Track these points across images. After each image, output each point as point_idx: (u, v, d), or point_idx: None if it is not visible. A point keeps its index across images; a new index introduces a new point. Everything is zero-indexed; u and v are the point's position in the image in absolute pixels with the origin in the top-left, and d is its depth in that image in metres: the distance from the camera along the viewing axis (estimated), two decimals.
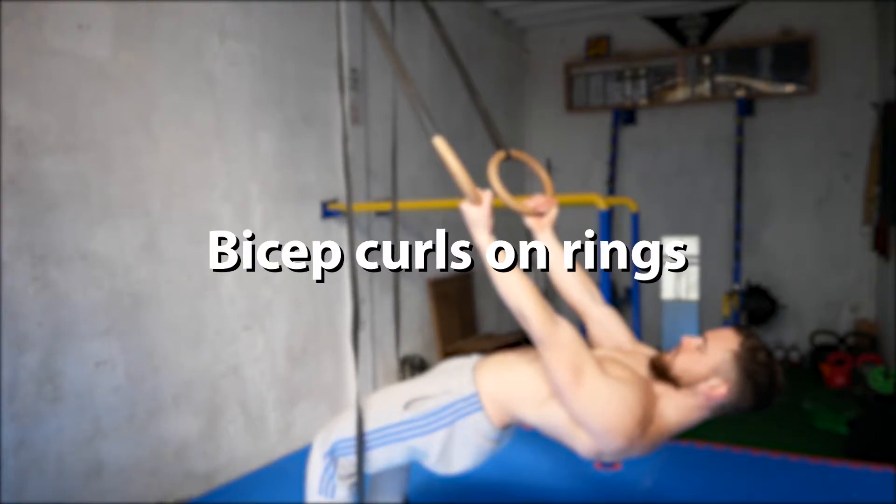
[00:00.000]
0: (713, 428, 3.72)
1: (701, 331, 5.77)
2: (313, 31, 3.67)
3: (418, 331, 4.65)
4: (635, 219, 3.49)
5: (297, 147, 3.58)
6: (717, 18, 5.68)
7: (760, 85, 5.55)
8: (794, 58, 5.43)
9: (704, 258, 5.83)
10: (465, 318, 5.17)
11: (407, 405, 1.83)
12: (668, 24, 5.83)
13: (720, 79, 5.69)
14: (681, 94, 5.83)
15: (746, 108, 5.56)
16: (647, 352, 1.82)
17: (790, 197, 5.56)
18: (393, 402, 1.87)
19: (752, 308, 5.37)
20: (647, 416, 1.58)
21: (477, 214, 1.62)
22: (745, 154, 5.52)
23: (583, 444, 1.65)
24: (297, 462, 3.37)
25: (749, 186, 5.57)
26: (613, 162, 5.98)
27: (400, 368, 4.33)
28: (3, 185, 2.29)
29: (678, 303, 5.89)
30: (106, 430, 2.60)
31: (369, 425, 1.85)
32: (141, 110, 2.75)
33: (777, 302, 5.42)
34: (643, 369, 1.71)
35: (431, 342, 4.79)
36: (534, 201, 1.88)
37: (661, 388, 1.67)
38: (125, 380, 2.68)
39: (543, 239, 1.92)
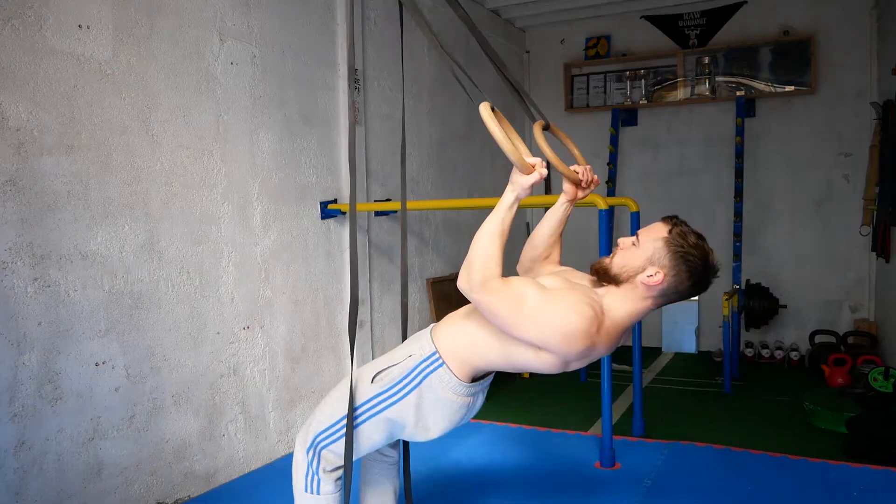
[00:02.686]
0: (713, 428, 3.74)
1: (700, 330, 5.78)
2: (313, 31, 3.67)
3: (418, 330, 4.64)
4: (635, 219, 3.49)
5: (297, 147, 3.58)
6: (717, 18, 5.68)
7: (760, 85, 5.55)
8: (794, 58, 5.43)
9: None
10: None
11: (374, 379, 1.86)
12: (668, 24, 5.83)
13: (720, 79, 5.69)
14: (681, 94, 5.83)
15: (746, 108, 5.56)
16: (582, 274, 1.90)
17: (790, 197, 5.56)
18: (360, 381, 1.90)
19: (752, 308, 5.37)
20: (595, 313, 1.64)
21: (521, 180, 1.64)
22: (745, 154, 5.52)
23: (546, 362, 1.70)
24: None
25: (749, 186, 5.57)
26: (613, 162, 5.98)
27: None
28: (3, 185, 2.29)
29: (678, 302, 5.88)
30: (106, 430, 2.61)
31: (342, 409, 1.87)
32: (141, 110, 2.75)
33: (777, 302, 5.42)
34: (582, 280, 1.83)
35: None
36: (582, 171, 1.87)
37: (603, 290, 1.75)
38: (125, 380, 2.68)
39: (565, 208, 1.94)
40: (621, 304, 1.72)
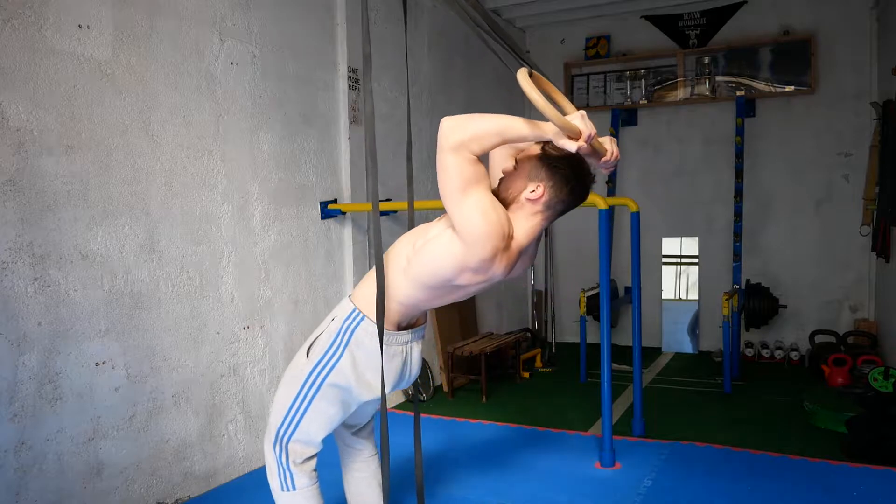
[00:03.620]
0: (713, 428, 3.74)
1: (700, 330, 5.78)
2: (313, 31, 3.67)
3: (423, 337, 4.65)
4: (635, 219, 3.49)
5: (297, 147, 3.58)
6: (717, 18, 5.68)
7: (760, 85, 5.56)
8: (794, 58, 5.43)
9: (704, 258, 5.84)
10: (465, 318, 5.17)
11: (308, 353, 1.93)
12: (668, 24, 5.83)
13: (720, 79, 5.69)
14: (681, 94, 5.83)
15: (746, 108, 5.56)
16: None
17: (790, 197, 5.56)
18: (298, 359, 1.96)
19: (752, 308, 5.37)
20: (511, 232, 1.74)
21: (562, 141, 1.60)
22: (745, 154, 5.52)
23: (451, 254, 1.73)
24: None
25: (749, 186, 5.57)
26: None
27: None
28: (3, 185, 2.29)
29: (678, 303, 5.89)
30: (106, 430, 2.61)
31: (291, 394, 1.93)
32: (141, 110, 2.75)
33: (777, 302, 5.42)
34: None
35: (431, 342, 4.79)
36: (611, 152, 1.76)
37: None
38: (125, 380, 2.68)
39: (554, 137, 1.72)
40: (519, 225, 1.78)
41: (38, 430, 2.38)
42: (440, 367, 4.77)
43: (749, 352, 5.47)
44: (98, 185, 2.58)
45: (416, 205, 4.24)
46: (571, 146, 1.59)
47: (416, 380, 2.13)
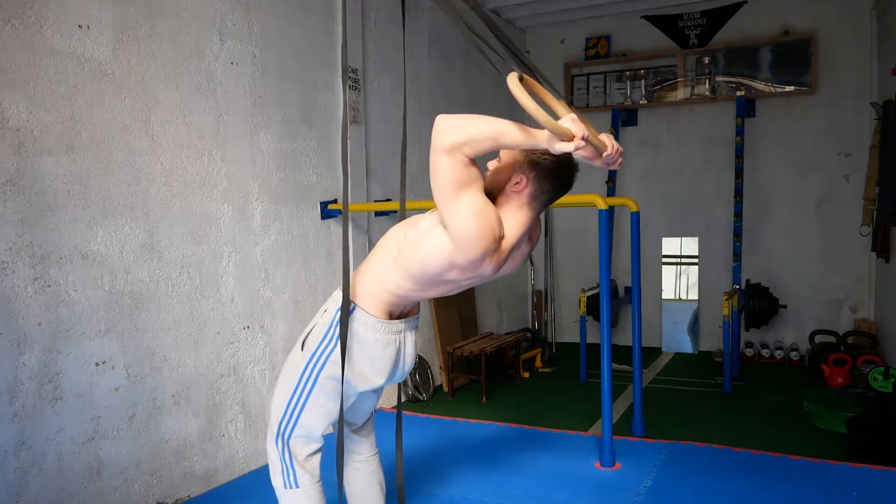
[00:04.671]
0: (713, 428, 3.74)
1: (700, 330, 5.78)
2: (313, 31, 3.67)
3: (418, 331, 4.65)
4: (635, 219, 3.49)
5: (297, 147, 3.58)
6: (717, 18, 5.68)
7: (760, 85, 5.56)
8: (794, 58, 5.43)
9: (704, 258, 5.84)
10: (465, 317, 5.17)
11: (303, 347, 1.94)
12: (668, 24, 5.83)
13: (720, 79, 5.69)
14: (681, 94, 5.83)
15: (746, 108, 5.56)
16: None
17: (790, 197, 5.56)
18: (293, 354, 1.97)
19: (752, 308, 5.37)
20: (501, 233, 1.75)
21: (555, 145, 1.56)
22: (745, 154, 5.52)
23: (442, 249, 1.73)
24: None
25: (749, 186, 5.57)
26: None
27: None
28: (3, 185, 2.29)
29: (678, 303, 5.89)
30: (106, 430, 2.61)
31: (288, 388, 1.94)
32: (141, 110, 2.75)
33: (777, 302, 5.42)
34: None
35: (431, 342, 4.79)
36: (611, 147, 1.66)
37: None
38: (125, 380, 2.68)
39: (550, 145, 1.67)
40: (508, 220, 1.79)
41: (38, 430, 2.38)
42: (440, 367, 4.77)
43: (749, 352, 5.47)
44: (98, 185, 2.58)
45: (417, 204, 4.25)
46: (567, 147, 1.55)
47: (408, 376, 2.12)
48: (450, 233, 1.71)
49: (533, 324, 6.22)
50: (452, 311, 4.99)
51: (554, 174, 1.77)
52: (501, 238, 1.76)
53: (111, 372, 2.62)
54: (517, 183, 1.77)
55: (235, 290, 3.19)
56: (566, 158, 1.73)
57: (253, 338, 3.30)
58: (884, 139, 4.66)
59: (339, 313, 1.87)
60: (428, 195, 5.43)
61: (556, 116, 1.60)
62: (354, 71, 3.95)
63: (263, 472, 3.24)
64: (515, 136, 1.63)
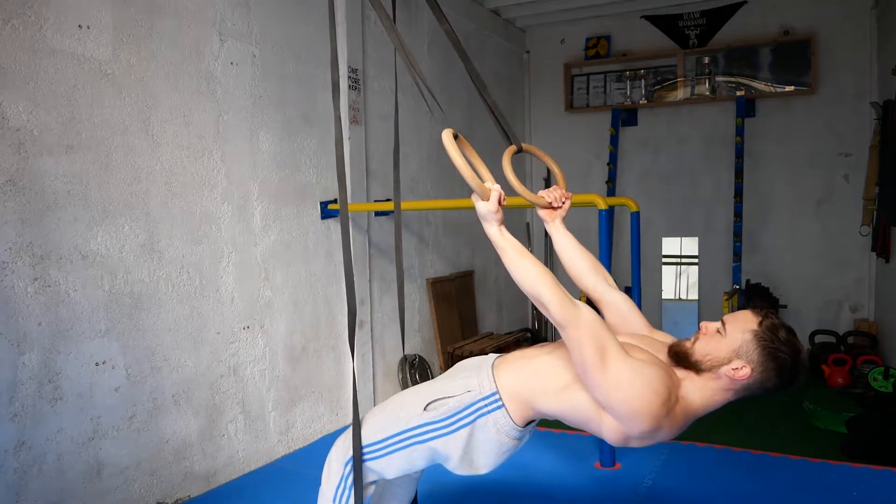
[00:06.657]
0: (713, 428, 3.74)
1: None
2: (313, 31, 3.67)
3: (418, 331, 4.65)
4: (635, 219, 3.48)
5: (297, 147, 3.58)
6: (717, 18, 5.68)
7: (760, 85, 5.55)
8: (794, 58, 5.43)
9: (704, 258, 5.83)
10: (465, 317, 5.17)
11: (427, 406, 1.79)
12: (668, 24, 5.83)
13: (720, 79, 5.69)
14: (681, 94, 5.83)
15: (746, 108, 5.56)
16: (664, 338, 1.83)
17: (790, 197, 5.56)
18: (412, 404, 1.83)
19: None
20: (671, 396, 1.57)
21: (485, 209, 1.63)
22: (745, 154, 5.52)
23: (609, 428, 1.64)
24: (296, 462, 3.38)
25: (749, 186, 5.57)
26: (613, 162, 5.98)
27: (400, 368, 4.33)
28: (3, 185, 2.29)
29: (678, 303, 5.89)
30: (106, 430, 2.61)
31: (389, 430, 1.81)
32: (141, 110, 2.75)
33: (777, 302, 5.42)
34: (662, 355, 1.70)
35: (431, 342, 4.79)
36: (550, 195, 1.87)
37: (682, 373, 1.66)
38: (125, 380, 2.68)
39: (555, 229, 1.95)
40: (699, 394, 1.63)
41: (38, 430, 2.38)
42: (440, 367, 4.77)
43: None
44: (98, 185, 2.58)
45: (417, 205, 4.27)
46: (481, 205, 1.63)
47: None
48: (605, 409, 1.61)
49: (533, 324, 6.22)
50: (453, 311, 4.99)
51: (784, 376, 1.59)
52: (674, 404, 1.59)
53: (111, 372, 2.62)
54: (736, 368, 1.58)
55: (235, 290, 3.19)
56: (800, 358, 1.60)
57: (253, 338, 3.30)
58: (884, 139, 4.66)
59: (483, 403, 1.74)
60: (427, 195, 5.41)
61: (482, 178, 1.71)
62: (354, 71, 3.95)
63: (263, 472, 3.26)
64: (511, 255, 1.66)
